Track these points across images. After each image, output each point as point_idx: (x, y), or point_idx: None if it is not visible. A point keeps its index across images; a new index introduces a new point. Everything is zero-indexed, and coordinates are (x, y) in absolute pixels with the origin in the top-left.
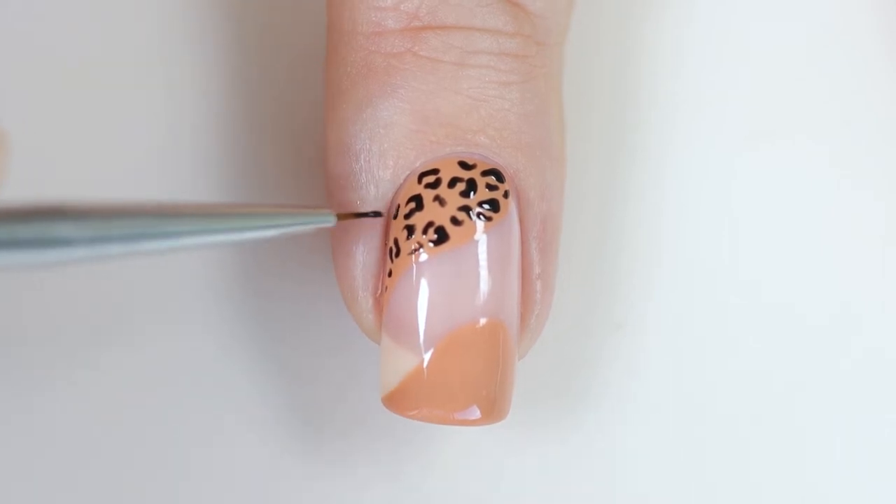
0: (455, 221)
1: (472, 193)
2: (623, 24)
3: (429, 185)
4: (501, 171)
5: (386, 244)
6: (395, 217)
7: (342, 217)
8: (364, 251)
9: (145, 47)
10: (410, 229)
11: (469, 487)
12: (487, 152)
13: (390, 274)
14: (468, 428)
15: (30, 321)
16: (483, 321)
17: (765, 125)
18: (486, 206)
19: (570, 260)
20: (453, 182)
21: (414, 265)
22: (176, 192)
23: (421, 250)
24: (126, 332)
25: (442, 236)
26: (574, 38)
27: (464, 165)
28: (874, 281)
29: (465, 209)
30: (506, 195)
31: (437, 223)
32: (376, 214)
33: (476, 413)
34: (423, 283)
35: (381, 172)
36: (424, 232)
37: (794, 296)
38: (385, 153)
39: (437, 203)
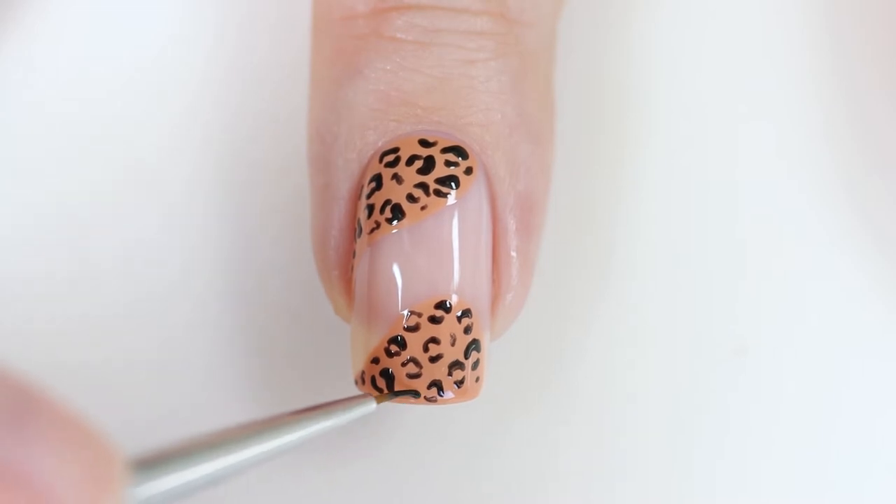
0: (411, 198)
1: (430, 170)
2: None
3: (388, 164)
4: (465, 147)
5: (353, 225)
6: (360, 198)
7: (380, 400)
8: (336, 233)
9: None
10: (370, 208)
11: (442, 463)
12: (451, 129)
13: (355, 254)
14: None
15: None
16: (443, 298)
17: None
18: (444, 183)
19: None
20: (411, 160)
21: (372, 244)
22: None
23: (378, 228)
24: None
25: (397, 213)
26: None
27: (424, 143)
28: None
29: (423, 186)
30: (468, 171)
31: (394, 201)
32: (416, 395)
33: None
34: (380, 261)
35: (347, 154)
36: (382, 210)
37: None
38: (350, 134)
39: (394, 181)
